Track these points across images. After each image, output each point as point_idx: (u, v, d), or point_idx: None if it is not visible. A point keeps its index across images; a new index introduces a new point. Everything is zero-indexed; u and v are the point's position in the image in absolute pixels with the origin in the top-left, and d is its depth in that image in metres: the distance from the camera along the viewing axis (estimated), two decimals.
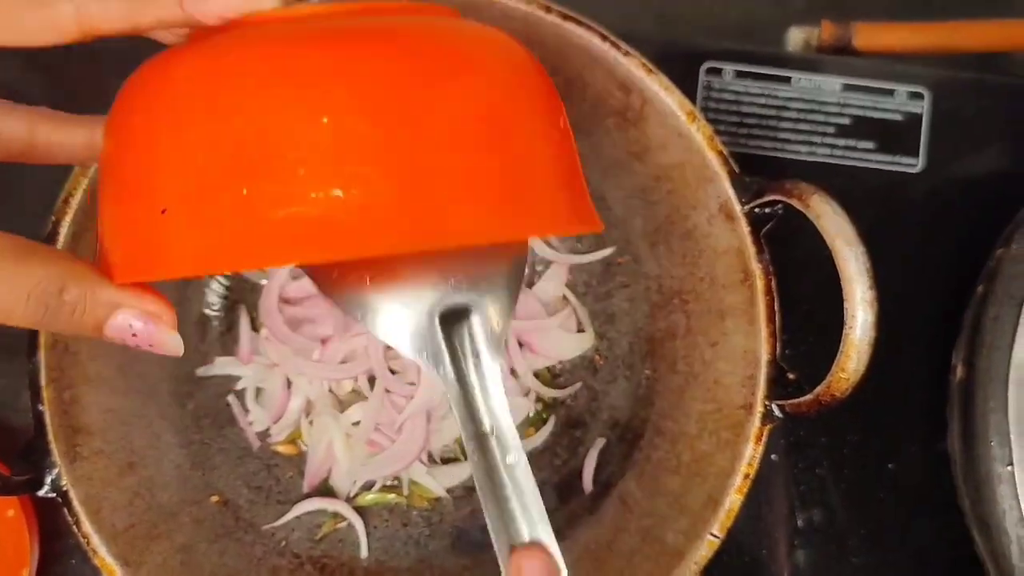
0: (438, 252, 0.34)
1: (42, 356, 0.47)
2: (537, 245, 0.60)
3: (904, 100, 0.64)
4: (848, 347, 0.41)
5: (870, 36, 0.66)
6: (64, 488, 0.46)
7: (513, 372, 0.59)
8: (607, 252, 0.59)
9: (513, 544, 0.34)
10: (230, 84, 0.28)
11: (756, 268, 0.47)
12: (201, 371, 0.58)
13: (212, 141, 0.28)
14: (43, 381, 0.47)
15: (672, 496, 0.51)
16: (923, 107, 0.64)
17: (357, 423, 0.58)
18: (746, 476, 0.46)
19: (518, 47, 0.34)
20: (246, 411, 0.58)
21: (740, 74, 0.64)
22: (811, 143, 0.64)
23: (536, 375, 0.59)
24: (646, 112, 0.50)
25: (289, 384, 0.58)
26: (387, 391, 0.57)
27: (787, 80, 0.64)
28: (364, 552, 0.57)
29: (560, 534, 0.55)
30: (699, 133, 0.48)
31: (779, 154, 0.64)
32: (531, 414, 0.59)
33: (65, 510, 0.46)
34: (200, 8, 0.32)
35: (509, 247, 0.38)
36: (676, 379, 0.54)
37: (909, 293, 0.62)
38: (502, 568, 0.35)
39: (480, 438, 0.35)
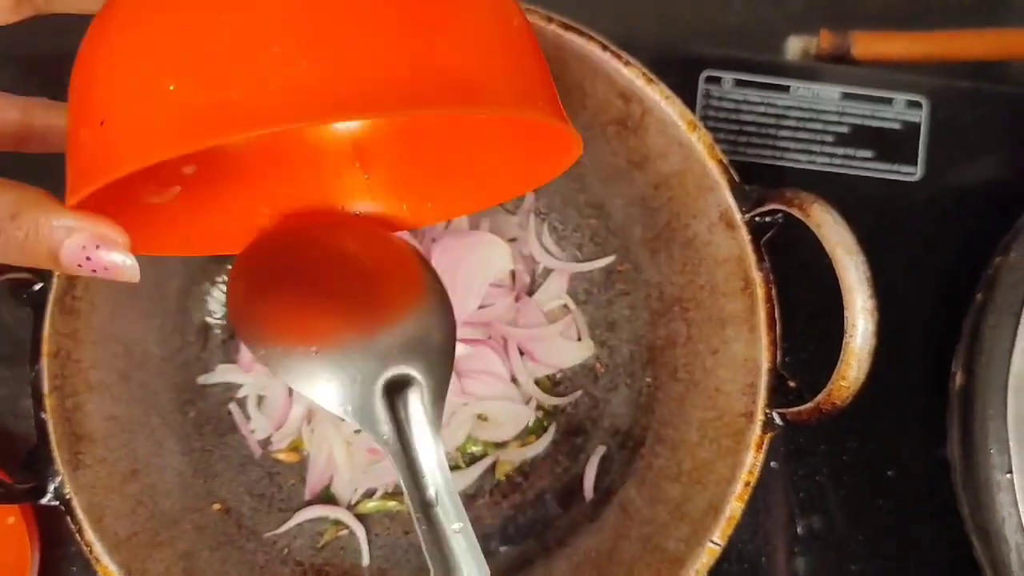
0: (379, 318, 0.38)
1: (44, 364, 0.47)
2: (538, 253, 0.60)
3: (902, 109, 0.65)
4: (849, 355, 0.41)
5: (868, 45, 0.66)
6: (67, 496, 0.46)
7: (514, 380, 0.59)
8: (608, 260, 0.59)
9: None
10: None
11: (757, 276, 0.47)
12: (202, 379, 0.58)
13: (137, 48, 0.29)
14: (46, 389, 0.47)
15: (673, 504, 0.51)
16: (921, 116, 0.65)
17: (358, 431, 0.58)
18: (747, 484, 0.46)
19: None
20: (248, 419, 0.59)
21: (739, 83, 0.65)
22: (810, 151, 0.65)
23: (537, 383, 0.59)
24: (646, 121, 0.50)
25: (291, 392, 0.58)
26: None
27: (786, 89, 0.65)
28: (366, 559, 0.57)
29: (561, 542, 0.56)
30: (700, 142, 0.48)
31: (778, 162, 0.64)
32: (531, 422, 0.59)
33: (68, 518, 0.46)
34: None
35: (443, 320, 0.41)
36: (677, 387, 0.54)
37: (908, 301, 0.62)
38: None
39: (425, 506, 0.36)
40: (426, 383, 0.38)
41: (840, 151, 0.64)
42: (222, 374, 0.58)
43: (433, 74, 0.29)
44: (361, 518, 0.58)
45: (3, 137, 0.38)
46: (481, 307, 0.58)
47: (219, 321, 0.59)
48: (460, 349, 0.57)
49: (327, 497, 0.59)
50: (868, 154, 0.64)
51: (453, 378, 0.57)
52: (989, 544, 0.52)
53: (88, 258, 0.32)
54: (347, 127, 0.44)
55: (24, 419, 0.61)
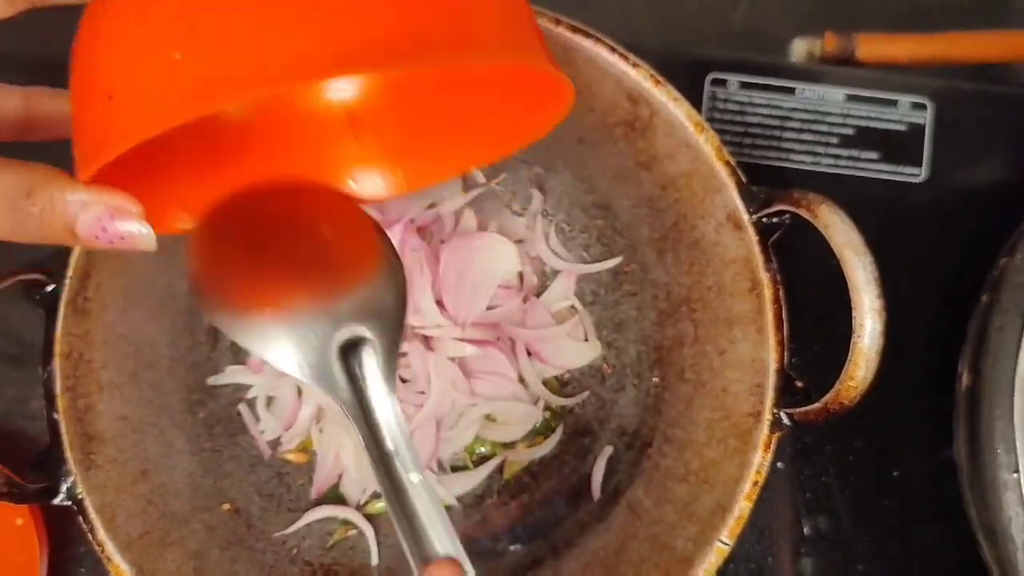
0: (333, 281, 0.39)
1: (57, 365, 0.47)
2: (545, 254, 0.60)
3: (907, 110, 0.65)
4: (857, 355, 0.42)
5: (873, 47, 0.66)
6: (79, 496, 0.46)
7: (522, 380, 0.59)
8: (615, 262, 0.60)
9: (426, 559, 0.35)
10: None
11: (764, 277, 0.48)
12: (212, 380, 0.58)
13: (140, 22, 0.30)
14: (58, 389, 0.47)
15: (681, 504, 0.51)
16: (926, 117, 0.65)
17: None
18: (755, 483, 0.47)
19: None
20: (257, 419, 0.59)
21: (744, 85, 0.65)
22: (815, 153, 0.65)
23: (545, 383, 0.60)
24: (654, 123, 0.50)
25: (300, 392, 0.59)
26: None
27: (791, 91, 0.65)
28: (375, 559, 0.57)
29: (569, 542, 0.56)
30: (707, 144, 0.48)
31: (783, 164, 0.65)
32: (539, 423, 0.60)
33: (80, 518, 0.47)
34: None
35: (392, 279, 0.41)
36: (684, 387, 0.55)
37: (913, 301, 0.62)
38: None
39: (384, 459, 0.37)
40: (379, 342, 0.38)
41: (845, 152, 0.65)
42: (231, 375, 0.59)
43: (421, 28, 0.30)
44: (370, 518, 0.58)
45: (6, 127, 0.38)
46: (489, 308, 0.59)
47: None
48: (468, 350, 0.57)
49: (336, 497, 0.59)
50: (873, 155, 0.65)
51: (462, 379, 0.57)
52: (996, 544, 0.52)
53: (104, 229, 0.32)
54: (340, 94, 0.45)
55: (34, 420, 0.62)
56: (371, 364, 0.38)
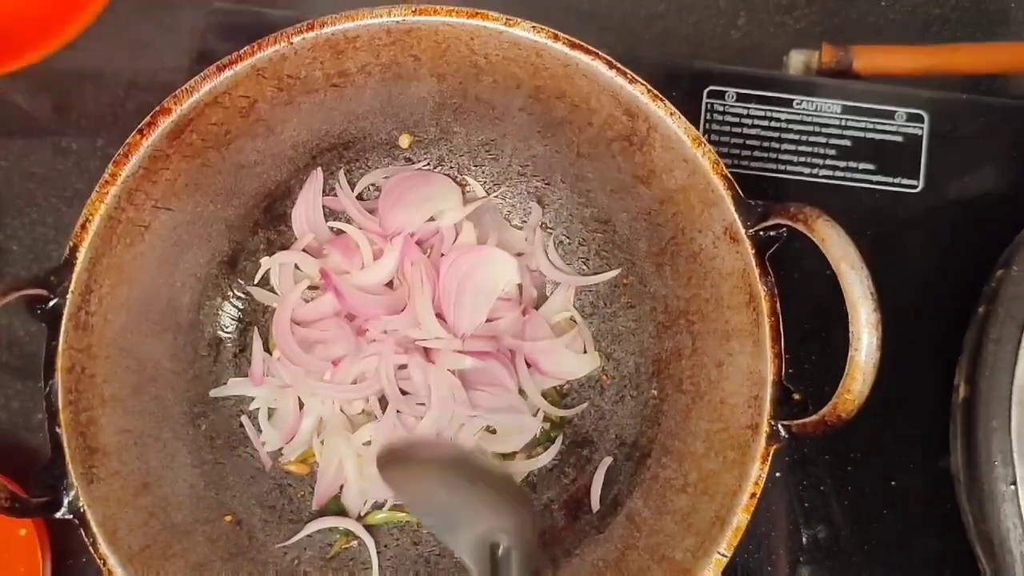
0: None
1: (59, 378, 0.47)
2: (544, 267, 0.61)
3: (904, 122, 0.65)
4: (854, 369, 0.42)
5: (870, 59, 0.67)
6: (81, 509, 0.47)
7: (521, 392, 0.59)
8: (614, 273, 0.60)
9: None
10: None
11: (761, 290, 0.48)
12: (215, 392, 0.59)
13: None
14: (60, 403, 0.47)
15: (680, 515, 0.51)
16: (923, 128, 0.65)
17: (368, 443, 0.58)
18: (753, 495, 0.47)
19: None
20: (259, 431, 0.59)
21: (742, 97, 0.65)
22: (812, 164, 0.65)
23: (544, 395, 0.60)
24: (652, 137, 0.50)
25: (301, 405, 0.59)
26: (397, 412, 0.58)
27: (788, 103, 0.65)
28: (375, 571, 0.57)
29: (569, 552, 0.57)
30: (704, 158, 0.48)
31: (780, 175, 0.65)
32: (538, 433, 0.60)
33: (82, 531, 0.47)
34: None
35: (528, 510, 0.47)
36: (682, 399, 0.55)
37: (910, 313, 0.62)
38: None
39: None
40: (516, 552, 0.43)
41: (842, 164, 0.65)
42: (233, 387, 0.59)
43: None
44: (370, 529, 0.58)
45: None
46: (489, 320, 0.59)
47: (230, 335, 0.60)
48: (468, 362, 0.57)
49: (337, 509, 0.59)
50: (870, 167, 0.65)
51: (461, 391, 0.57)
52: (993, 555, 0.53)
53: None
54: None
55: (37, 433, 0.62)
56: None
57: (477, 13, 0.48)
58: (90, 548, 0.47)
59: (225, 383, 0.59)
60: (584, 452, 0.60)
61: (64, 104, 0.67)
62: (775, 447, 0.47)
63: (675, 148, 0.49)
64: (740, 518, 0.47)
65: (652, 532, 0.53)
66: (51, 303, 0.47)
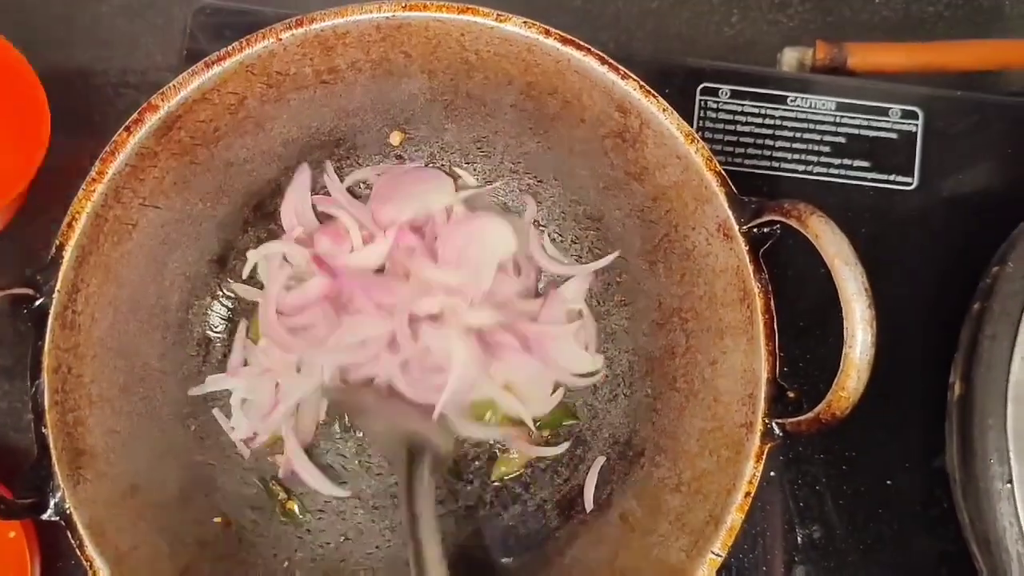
0: None
1: (45, 379, 0.47)
2: (543, 261, 0.60)
3: (898, 119, 0.65)
4: (848, 366, 0.41)
5: (864, 56, 0.66)
6: (68, 511, 0.46)
7: None
8: (612, 257, 0.59)
9: None
10: None
11: (755, 287, 0.47)
12: (193, 391, 0.58)
13: None
14: (46, 404, 0.47)
15: (673, 514, 0.51)
16: (917, 125, 0.65)
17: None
18: (747, 494, 0.46)
19: None
20: (228, 417, 0.59)
21: (736, 94, 0.65)
22: (806, 162, 0.65)
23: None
24: (644, 134, 0.50)
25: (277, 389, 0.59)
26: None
27: (782, 100, 0.65)
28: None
29: (562, 552, 0.56)
30: (697, 154, 0.48)
31: (774, 173, 0.65)
32: (552, 411, 0.60)
33: (68, 533, 0.46)
34: None
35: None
36: (676, 397, 0.55)
37: (905, 310, 0.62)
38: None
39: (412, 519, 0.50)
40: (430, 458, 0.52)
41: (836, 161, 0.65)
42: (212, 384, 0.58)
43: None
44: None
45: None
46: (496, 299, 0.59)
47: (219, 334, 0.59)
48: (486, 316, 0.57)
49: None
50: (864, 164, 0.65)
51: (481, 355, 0.58)
52: (989, 553, 0.52)
53: None
54: None
55: (27, 433, 0.61)
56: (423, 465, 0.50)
57: (468, 8, 0.48)
58: (76, 550, 0.46)
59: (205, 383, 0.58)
60: (577, 451, 0.60)
61: (53, 102, 0.67)
62: (770, 445, 0.46)
63: (668, 144, 0.49)
64: (734, 517, 0.47)
65: (646, 532, 0.53)
66: (37, 302, 0.47)
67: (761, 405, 0.47)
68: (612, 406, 0.60)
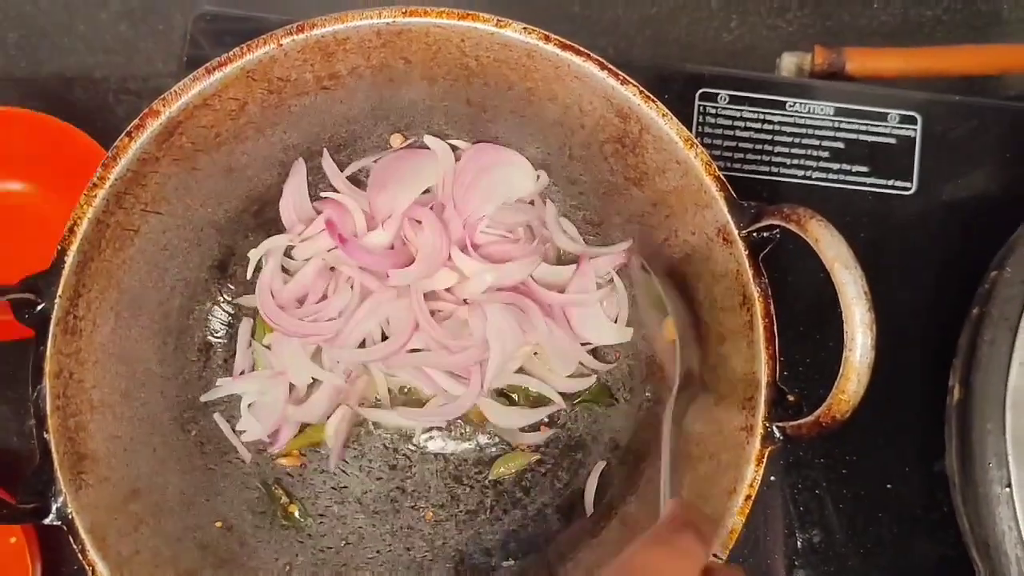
0: None
1: (47, 384, 0.47)
2: (561, 241, 0.60)
3: (897, 123, 0.65)
4: (848, 370, 0.42)
5: (862, 61, 0.67)
6: (70, 516, 0.46)
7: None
8: (626, 244, 0.59)
9: None
10: None
11: (755, 291, 0.47)
12: (205, 397, 0.58)
13: None
14: (48, 409, 0.47)
15: None
16: (916, 130, 0.65)
17: None
18: (748, 497, 0.46)
19: None
20: (231, 421, 0.59)
21: (735, 99, 0.65)
22: (805, 167, 0.65)
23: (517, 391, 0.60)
24: (644, 139, 0.50)
25: (291, 389, 0.59)
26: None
27: (781, 105, 0.65)
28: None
29: (563, 557, 0.56)
30: (697, 159, 0.48)
31: (774, 178, 0.65)
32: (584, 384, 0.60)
33: (71, 538, 0.46)
34: None
35: None
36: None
37: (904, 314, 0.62)
38: None
39: None
40: None
41: (835, 166, 0.65)
42: (224, 388, 0.58)
43: None
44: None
45: None
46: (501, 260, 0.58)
47: (221, 340, 0.59)
48: (508, 272, 0.57)
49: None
50: (863, 169, 0.65)
51: (513, 323, 0.57)
52: (989, 557, 0.52)
53: None
54: None
55: (29, 439, 0.62)
56: None
57: (468, 15, 0.48)
58: (79, 555, 0.46)
59: (217, 385, 0.58)
60: (578, 456, 0.60)
61: (54, 108, 0.67)
62: (770, 449, 0.46)
63: (667, 150, 0.49)
64: (735, 520, 0.47)
65: None
66: (39, 307, 0.47)
67: (761, 409, 0.47)
68: (612, 410, 0.60)
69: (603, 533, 0.56)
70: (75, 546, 0.46)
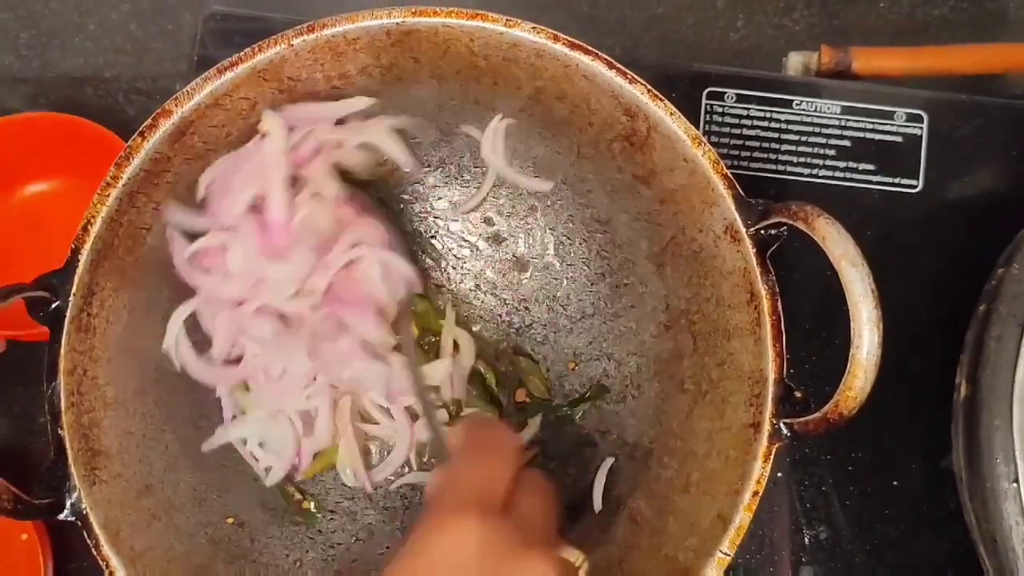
0: None
1: (61, 380, 0.47)
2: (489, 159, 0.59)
3: (903, 122, 0.66)
4: (855, 366, 0.42)
5: (868, 60, 0.67)
6: (84, 511, 0.47)
7: None
8: (549, 185, 0.59)
9: None
10: None
11: (762, 289, 0.48)
12: (205, 446, 0.56)
13: None
14: (63, 406, 0.47)
15: (682, 514, 0.51)
16: (922, 129, 0.65)
17: None
18: (755, 494, 0.47)
19: None
20: (256, 460, 0.58)
21: (742, 98, 0.66)
22: (812, 165, 0.65)
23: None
24: (652, 137, 0.51)
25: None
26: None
27: (788, 103, 0.66)
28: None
29: None
30: (704, 157, 0.48)
31: (780, 176, 0.65)
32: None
33: (84, 533, 0.47)
34: None
35: None
36: (684, 398, 0.55)
37: (911, 311, 0.63)
38: None
39: None
40: None
41: (842, 164, 0.65)
42: (221, 436, 0.57)
43: None
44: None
45: None
46: None
47: None
48: None
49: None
50: (870, 167, 0.65)
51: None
52: (996, 553, 0.53)
53: None
54: None
55: (41, 436, 0.62)
56: None
57: (477, 14, 0.49)
58: (92, 550, 0.47)
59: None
60: (586, 453, 0.60)
61: (65, 108, 0.67)
62: (777, 445, 0.47)
63: (675, 148, 0.49)
64: (742, 517, 0.47)
65: (654, 532, 0.53)
66: (53, 305, 0.47)
67: (769, 405, 0.47)
68: (620, 408, 0.60)
69: (611, 530, 0.56)
70: (89, 541, 0.47)
